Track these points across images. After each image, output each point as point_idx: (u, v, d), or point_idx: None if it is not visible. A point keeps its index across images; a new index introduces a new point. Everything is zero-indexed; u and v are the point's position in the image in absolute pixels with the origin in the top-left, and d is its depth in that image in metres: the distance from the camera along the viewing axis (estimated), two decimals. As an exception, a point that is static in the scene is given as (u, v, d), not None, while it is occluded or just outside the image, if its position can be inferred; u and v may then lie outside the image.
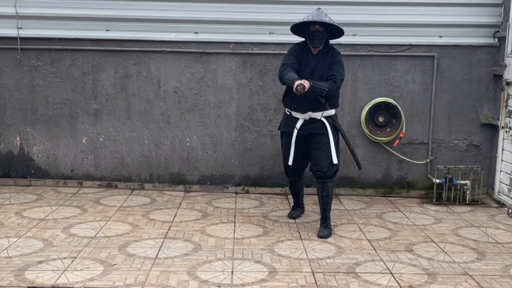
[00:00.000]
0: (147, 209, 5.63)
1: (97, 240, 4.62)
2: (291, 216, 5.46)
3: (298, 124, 4.92)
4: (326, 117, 4.91)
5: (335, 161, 4.88)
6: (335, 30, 4.95)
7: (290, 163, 5.03)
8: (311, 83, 4.62)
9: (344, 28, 6.14)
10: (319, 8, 4.95)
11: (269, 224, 5.22)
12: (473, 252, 4.63)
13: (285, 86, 5.02)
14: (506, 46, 6.07)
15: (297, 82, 4.54)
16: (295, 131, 4.92)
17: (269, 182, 6.42)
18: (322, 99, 4.83)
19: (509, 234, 5.13)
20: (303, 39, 5.07)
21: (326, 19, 4.81)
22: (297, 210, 5.52)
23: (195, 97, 6.36)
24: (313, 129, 4.91)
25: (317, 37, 4.84)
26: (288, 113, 5.03)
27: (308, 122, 4.92)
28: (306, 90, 4.54)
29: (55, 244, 4.49)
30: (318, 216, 5.46)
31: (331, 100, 4.94)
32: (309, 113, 4.89)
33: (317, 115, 4.89)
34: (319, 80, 4.82)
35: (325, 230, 4.93)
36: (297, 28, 5.00)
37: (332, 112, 4.98)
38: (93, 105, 6.36)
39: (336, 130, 4.98)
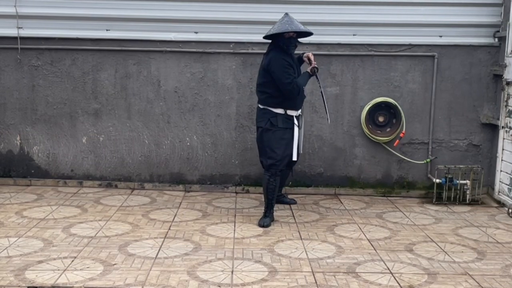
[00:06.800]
0: (147, 208, 5.64)
1: (97, 240, 4.62)
2: (265, 223, 5.12)
3: (296, 120, 5.23)
4: None
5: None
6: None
7: (295, 158, 5.23)
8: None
9: (344, 28, 6.25)
10: (286, 14, 5.20)
11: (269, 224, 5.23)
12: (473, 252, 4.63)
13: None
14: (506, 46, 6.07)
15: (313, 64, 5.20)
16: (297, 128, 5.21)
17: (269, 182, 6.41)
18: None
19: (509, 234, 5.13)
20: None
21: (301, 27, 5.13)
22: (268, 218, 5.18)
23: (195, 97, 6.36)
24: (301, 124, 5.40)
25: (292, 43, 5.17)
26: (282, 112, 5.15)
27: (298, 118, 5.29)
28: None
29: (55, 244, 4.49)
30: (318, 216, 5.52)
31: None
32: (300, 110, 5.32)
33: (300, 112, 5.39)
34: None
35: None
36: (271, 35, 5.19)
37: None
38: (93, 105, 6.36)
39: None
